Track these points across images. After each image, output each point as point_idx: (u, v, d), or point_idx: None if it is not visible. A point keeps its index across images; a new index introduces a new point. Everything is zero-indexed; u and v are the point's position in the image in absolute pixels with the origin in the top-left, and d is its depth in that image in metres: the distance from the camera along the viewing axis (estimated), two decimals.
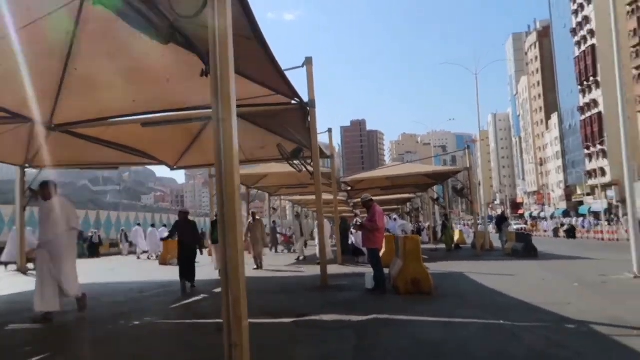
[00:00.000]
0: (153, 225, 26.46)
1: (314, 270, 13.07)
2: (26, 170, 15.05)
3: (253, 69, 7.87)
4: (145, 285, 11.37)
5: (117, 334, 5.93)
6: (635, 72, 64.00)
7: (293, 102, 9.05)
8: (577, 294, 8.07)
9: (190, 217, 12.58)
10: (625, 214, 60.76)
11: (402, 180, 23.72)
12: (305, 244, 18.35)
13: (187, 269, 10.01)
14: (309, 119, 9.19)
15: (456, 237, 29.77)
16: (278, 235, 28.35)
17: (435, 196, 27.21)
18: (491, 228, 28.68)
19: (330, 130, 15.58)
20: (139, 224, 29.30)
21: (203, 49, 5.57)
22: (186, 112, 9.60)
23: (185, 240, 10.43)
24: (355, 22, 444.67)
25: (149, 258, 23.44)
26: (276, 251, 26.24)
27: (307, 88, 9.30)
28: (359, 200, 33.05)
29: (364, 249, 9.09)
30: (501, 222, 21.80)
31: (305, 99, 9.19)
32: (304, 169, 9.62)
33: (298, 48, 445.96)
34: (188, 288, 9.91)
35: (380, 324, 5.85)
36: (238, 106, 9.38)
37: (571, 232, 31.78)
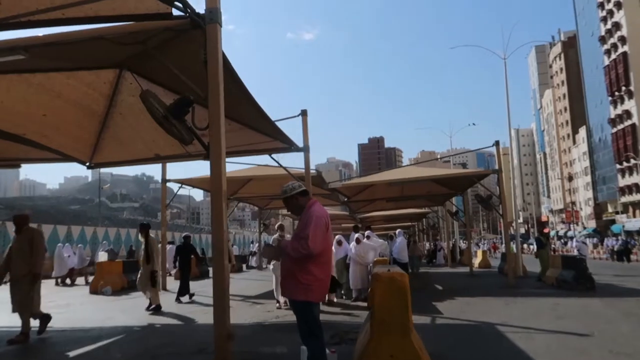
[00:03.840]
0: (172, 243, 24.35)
1: (257, 312, 8.67)
2: None
3: None
4: None
5: None
6: None
7: (178, 14, 4.76)
8: None
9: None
10: None
11: (412, 189, 19.19)
12: (153, 280, 9.70)
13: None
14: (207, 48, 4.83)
15: (478, 259, 25.13)
16: None
17: (454, 210, 22.58)
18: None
19: (304, 113, 11.26)
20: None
21: None
22: None
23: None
24: (374, 40, 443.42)
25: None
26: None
27: None
28: (366, 214, 28.70)
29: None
30: (539, 244, 17.12)
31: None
32: (191, 139, 5.15)
33: (317, 68, 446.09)
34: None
35: None
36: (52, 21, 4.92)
37: (625, 254, 26.41)
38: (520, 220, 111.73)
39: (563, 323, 7.16)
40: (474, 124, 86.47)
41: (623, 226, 65.17)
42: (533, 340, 6.05)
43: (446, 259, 26.93)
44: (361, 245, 10.10)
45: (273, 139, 10.51)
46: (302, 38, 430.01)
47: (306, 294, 3.73)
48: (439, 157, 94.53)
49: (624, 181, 68.80)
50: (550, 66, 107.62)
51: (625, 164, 67.06)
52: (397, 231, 13.25)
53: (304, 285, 3.72)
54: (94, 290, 14.18)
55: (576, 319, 7.54)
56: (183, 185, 16.46)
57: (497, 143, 13.73)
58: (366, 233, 10.88)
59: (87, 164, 11.40)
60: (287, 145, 10.91)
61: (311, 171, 14.19)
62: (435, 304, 9.63)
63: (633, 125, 66.18)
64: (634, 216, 65.60)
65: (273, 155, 11.36)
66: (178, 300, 11.45)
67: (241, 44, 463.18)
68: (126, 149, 11.01)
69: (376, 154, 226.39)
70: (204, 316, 8.91)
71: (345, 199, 18.91)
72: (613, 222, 71.95)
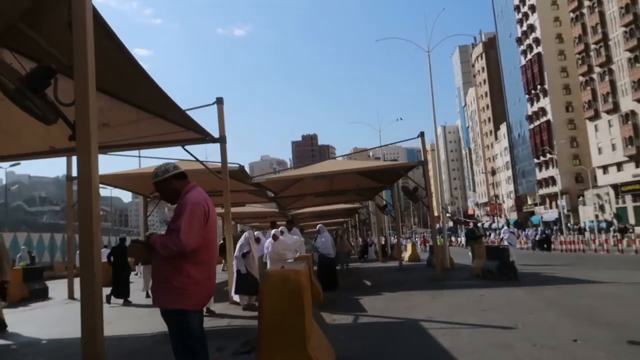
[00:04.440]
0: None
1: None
2: None
3: None
4: None
5: None
6: (581, 78, 62.91)
7: None
8: None
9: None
10: (577, 223, 59.14)
11: (341, 183, 18.80)
12: (3, 293, 7.91)
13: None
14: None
15: (408, 253, 25.34)
16: None
17: (384, 203, 22.52)
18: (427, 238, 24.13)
19: (219, 101, 10.42)
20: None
21: None
22: None
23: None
24: (304, 36, 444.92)
25: None
26: None
27: None
28: (296, 210, 28.11)
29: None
30: (472, 235, 17.37)
31: None
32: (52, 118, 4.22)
33: (248, 64, 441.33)
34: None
35: None
36: None
37: (545, 243, 27.62)
38: (449, 214, 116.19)
39: (488, 316, 6.89)
40: (400, 119, 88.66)
41: (541, 217, 69.30)
42: (458, 336, 5.67)
43: (377, 254, 26.94)
44: (278, 242, 9.39)
45: (185, 129, 9.63)
46: (233, 34, 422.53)
47: (179, 301, 2.99)
48: (370, 154, 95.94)
49: (541, 174, 73.18)
50: (473, 65, 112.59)
51: (542, 158, 71.29)
52: (319, 226, 12.72)
53: (176, 289, 2.98)
54: None
55: (501, 310, 7.31)
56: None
57: (422, 134, 13.58)
58: (280, 229, 10.14)
59: None
60: (202, 136, 10.05)
61: (232, 165, 13.41)
62: (360, 301, 9.18)
63: (548, 122, 70.52)
64: (550, 207, 69.91)
65: (187, 147, 10.44)
66: (109, 301, 11.11)
67: (170, 39, 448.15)
68: (14, 142, 9.64)
69: (310, 151, 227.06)
70: (117, 325, 7.85)
71: (272, 195, 18.21)
72: (532, 213, 76.34)
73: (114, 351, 5.95)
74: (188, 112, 8.87)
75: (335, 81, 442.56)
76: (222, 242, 15.12)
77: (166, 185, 3.19)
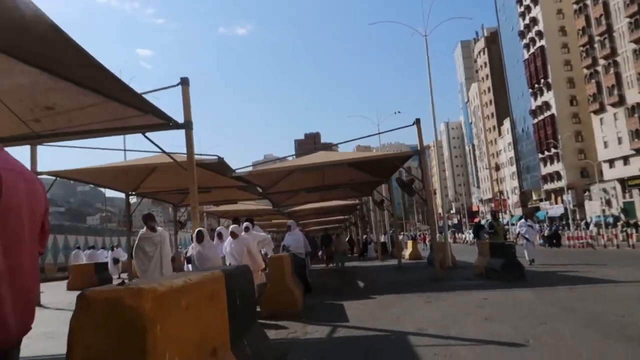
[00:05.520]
0: (92, 247, 26.98)
1: None
2: None
3: None
4: None
5: None
6: (586, 71, 61.48)
7: None
8: None
9: None
10: (582, 219, 57.73)
11: (334, 178, 17.57)
12: None
13: None
14: None
15: (408, 251, 24.19)
16: None
17: (381, 199, 21.29)
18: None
19: (185, 82, 9.16)
20: (78, 247, 28.42)
21: None
22: None
23: None
24: (305, 33, 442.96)
25: None
26: None
27: None
28: (293, 208, 26.86)
29: None
30: (479, 230, 16.30)
31: None
32: None
33: (250, 62, 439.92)
34: None
35: None
36: None
37: (555, 238, 26.27)
38: (453, 210, 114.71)
39: (491, 327, 5.67)
40: (398, 112, 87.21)
41: (547, 213, 67.89)
42: (452, 357, 4.47)
43: (377, 252, 25.76)
44: (239, 240, 7.94)
45: (144, 113, 8.44)
46: (235, 33, 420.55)
47: None
48: (374, 151, 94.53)
49: (545, 169, 71.74)
50: (475, 61, 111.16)
51: (546, 152, 69.88)
52: (289, 222, 11.47)
53: None
54: None
55: (506, 320, 6.09)
56: (58, 178, 13.81)
57: (417, 121, 12.33)
58: (245, 225, 8.62)
59: None
60: (164, 121, 8.84)
61: (210, 156, 12.25)
62: (345, 307, 7.98)
63: (552, 116, 69.10)
64: (556, 203, 68.52)
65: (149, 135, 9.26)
66: None
67: (172, 39, 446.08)
68: None
69: (313, 149, 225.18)
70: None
71: (261, 190, 17.03)
72: (538, 209, 74.94)
73: None
74: (152, 96, 7.78)
75: (336, 79, 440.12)
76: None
77: None
